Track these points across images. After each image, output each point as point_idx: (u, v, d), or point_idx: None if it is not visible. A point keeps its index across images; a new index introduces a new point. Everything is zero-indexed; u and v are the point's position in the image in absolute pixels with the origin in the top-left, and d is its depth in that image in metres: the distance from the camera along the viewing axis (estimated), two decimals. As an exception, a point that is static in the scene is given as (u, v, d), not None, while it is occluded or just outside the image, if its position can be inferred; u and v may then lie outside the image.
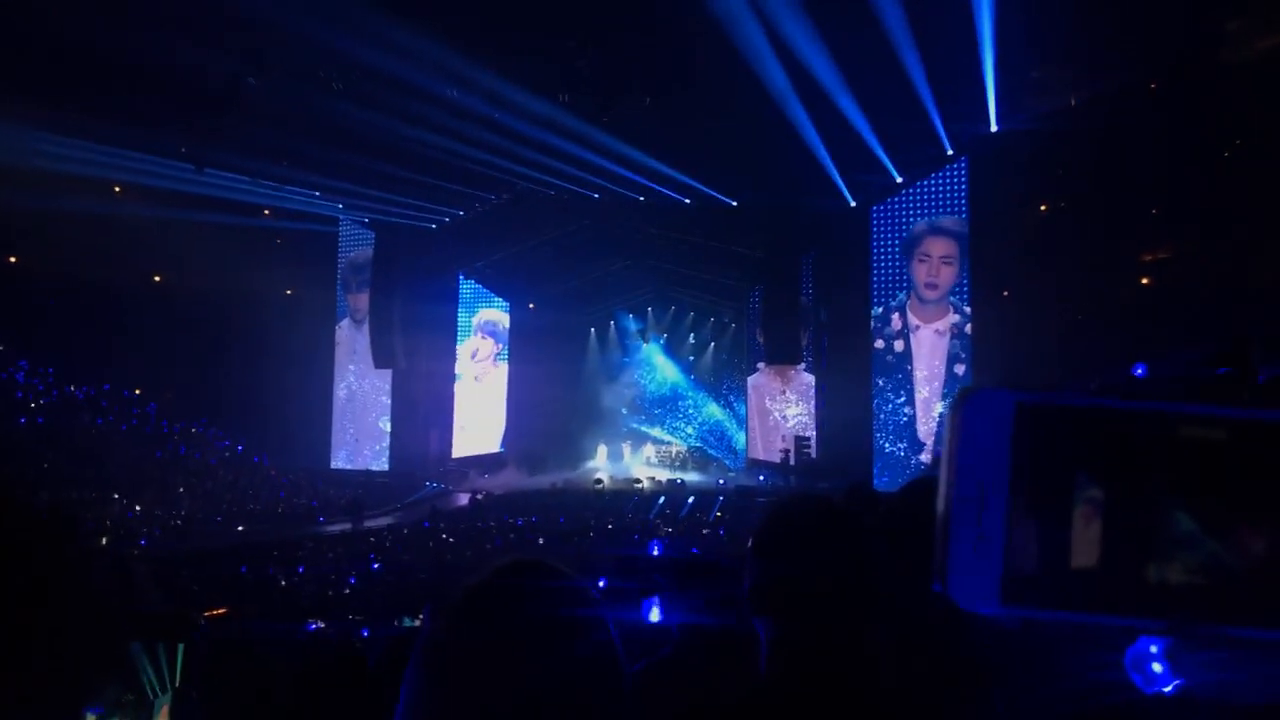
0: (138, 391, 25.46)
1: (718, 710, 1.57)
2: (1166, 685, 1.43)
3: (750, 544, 1.59)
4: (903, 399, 22.09)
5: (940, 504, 0.55)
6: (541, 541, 17.68)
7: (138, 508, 20.16)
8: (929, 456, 21.38)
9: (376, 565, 13.60)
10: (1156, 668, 1.42)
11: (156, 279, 26.22)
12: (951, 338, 21.53)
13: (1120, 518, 0.53)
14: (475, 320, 30.49)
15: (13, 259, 23.91)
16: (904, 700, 1.43)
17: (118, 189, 23.08)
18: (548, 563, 1.21)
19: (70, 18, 14.87)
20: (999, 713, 1.48)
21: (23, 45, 16.25)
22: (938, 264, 21.77)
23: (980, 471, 0.54)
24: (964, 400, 0.57)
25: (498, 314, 31.21)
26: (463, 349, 30.04)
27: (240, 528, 20.33)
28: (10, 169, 18.86)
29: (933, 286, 21.81)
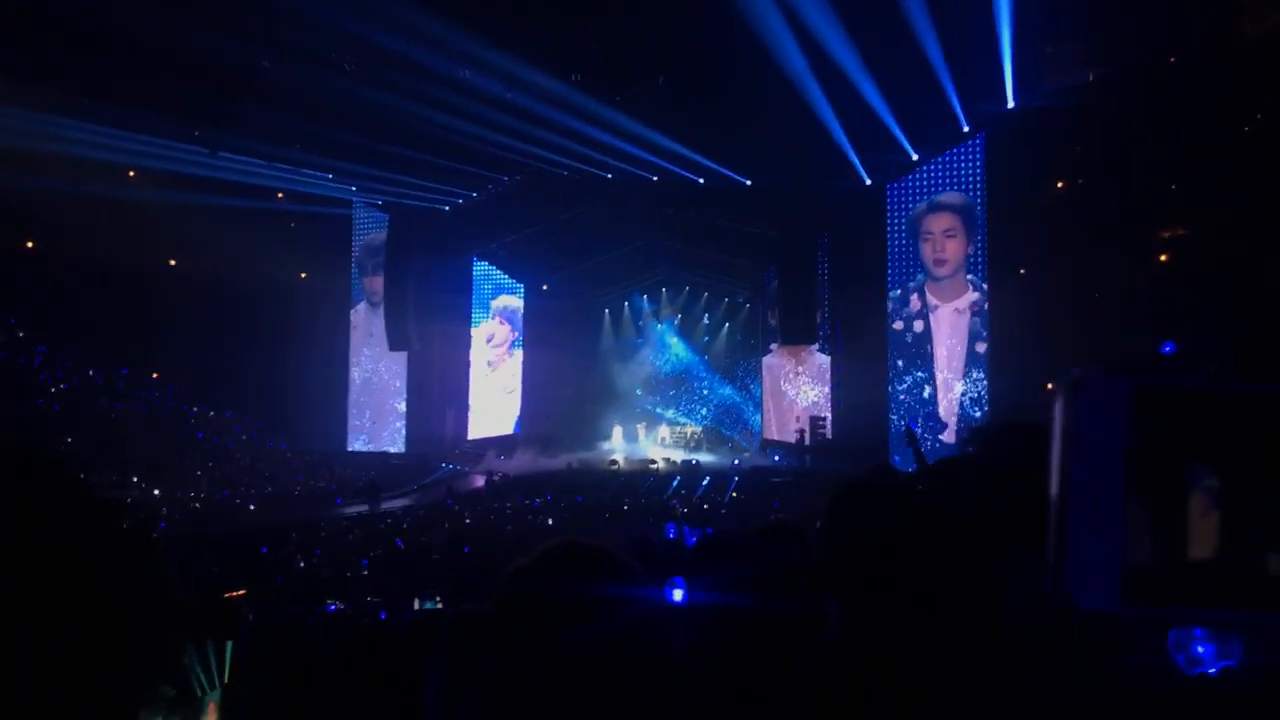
0: (155, 375, 25.62)
1: (790, 680, 1.58)
2: (1210, 667, 1.43)
3: (820, 520, 1.59)
4: (924, 378, 22.02)
5: (1053, 497, 0.53)
6: (550, 522, 17.75)
7: (156, 491, 20.31)
8: (951, 436, 21.32)
9: (395, 546, 13.67)
10: (1200, 649, 1.41)
11: (172, 263, 26.32)
12: (972, 315, 21.42)
13: (1245, 506, 0.51)
14: (494, 305, 30.53)
15: (30, 244, 24.03)
16: (972, 677, 1.43)
17: (132, 173, 23.15)
18: (593, 542, 1.23)
19: (84, 2, 14.88)
20: (1042, 695, 1.47)
21: (37, 31, 16.28)
22: (941, 239, 21.67)
23: (1096, 462, 0.52)
24: (1076, 387, 0.55)
25: (512, 299, 31.24)
26: (478, 333, 30.10)
27: (256, 508, 20.47)
28: (26, 153, 18.94)
29: (941, 262, 21.71)
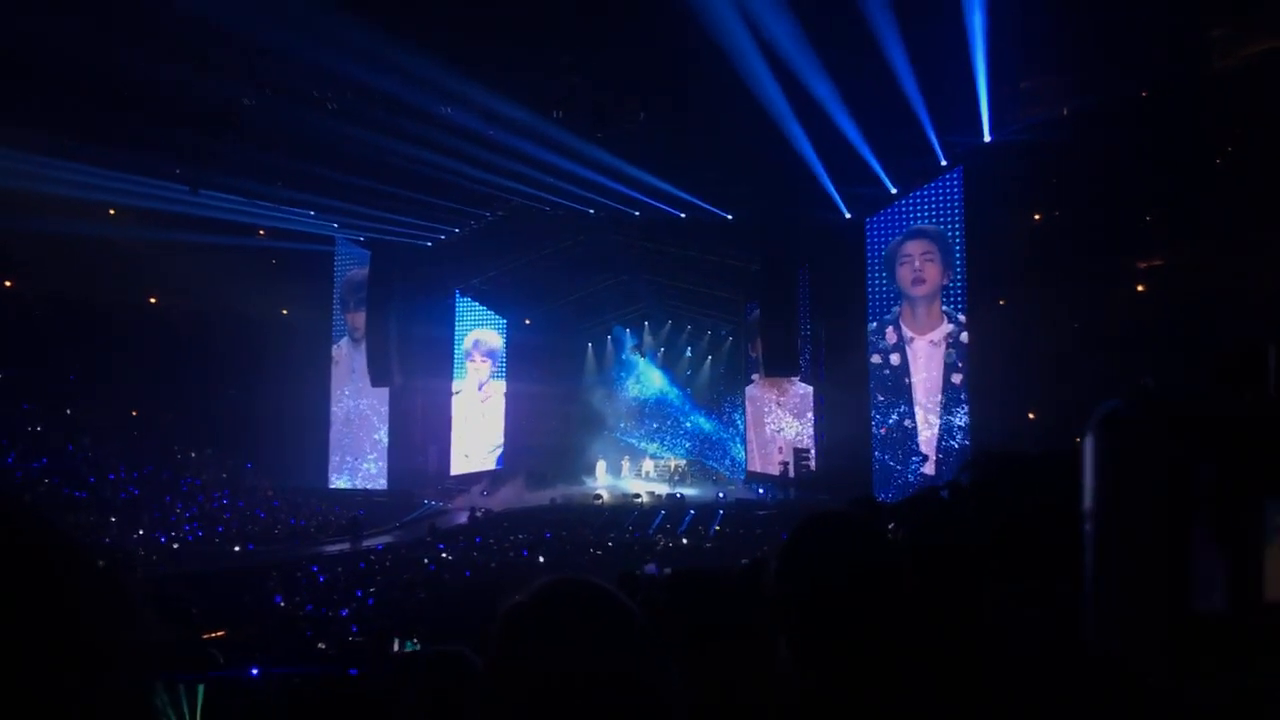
0: (134, 413, 25.41)
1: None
2: None
3: (776, 559, 1.59)
4: (903, 410, 22.11)
5: (1092, 541, 0.47)
6: (542, 560, 17.65)
7: (139, 531, 20.09)
8: (931, 469, 21.37)
9: (374, 588, 13.54)
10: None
11: (152, 300, 26.20)
12: (947, 347, 21.57)
13: None
14: (468, 342, 30.50)
15: (7, 282, 23.89)
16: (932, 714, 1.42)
17: (112, 211, 23.08)
18: (583, 579, 1.22)
19: (64, 40, 14.88)
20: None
21: (16, 68, 16.27)
22: (920, 261, 21.90)
23: (1144, 500, 0.46)
24: (1113, 421, 0.49)
25: (492, 335, 31.23)
26: (467, 379, 30.09)
27: (237, 548, 20.26)
28: (4, 192, 18.87)
29: (920, 282, 21.90)
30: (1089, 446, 0.51)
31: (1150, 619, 0.45)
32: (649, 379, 33.87)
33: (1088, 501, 0.50)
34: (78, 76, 16.14)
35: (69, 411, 23.74)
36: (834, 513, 1.68)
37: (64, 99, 17.20)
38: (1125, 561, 0.47)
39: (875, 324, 22.59)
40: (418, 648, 6.86)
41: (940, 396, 21.58)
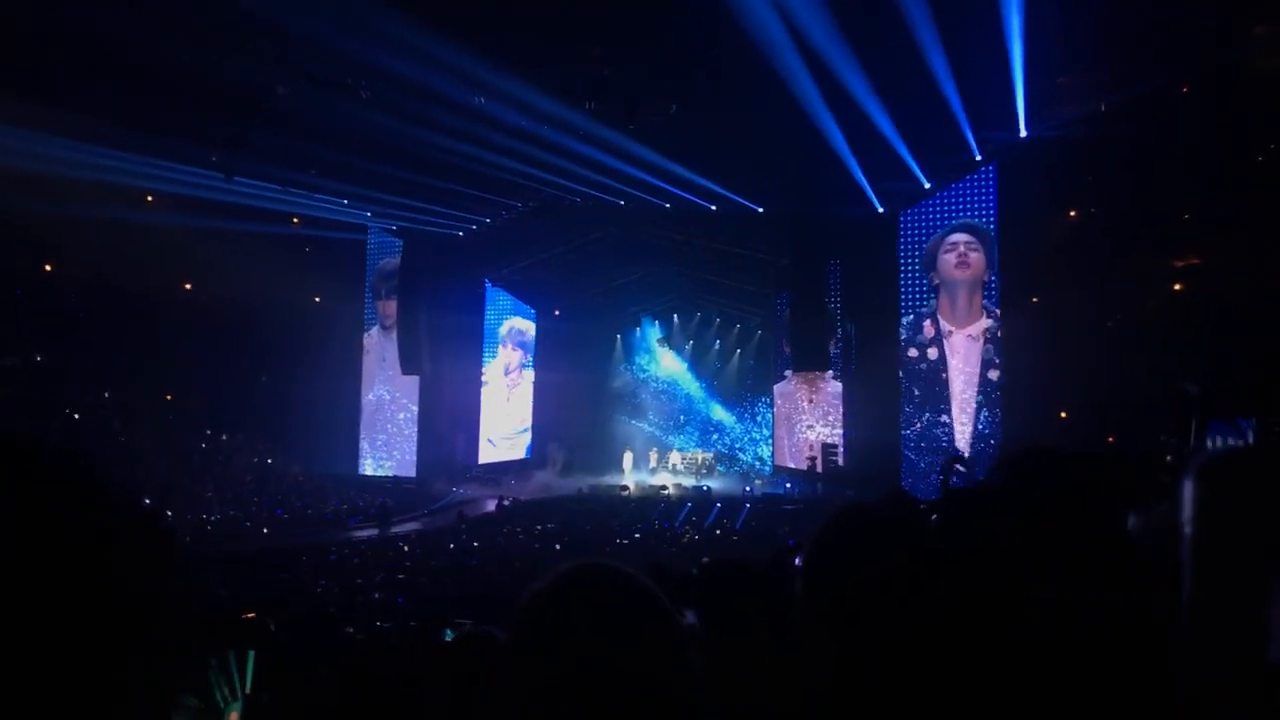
0: (168, 398, 25.72)
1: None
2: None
3: (806, 553, 1.58)
4: (939, 406, 21.95)
5: (1189, 586, 0.44)
6: (559, 547, 17.71)
7: (169, 513, 20.35)
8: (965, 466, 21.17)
9: (402, 575, 13.64)
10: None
11: (187, 286, 26.49)
12: (985, 342, 21.40)
13: None
14: (503, 330, 30.69)
15: (47, 266, 24.24)
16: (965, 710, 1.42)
17: (150, 198, 23.35)
18: (607, 564, 1.22)
19: (103, 27, 15.06)
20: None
21: (57, 56, 16.49)
22: (964, 249, 21.74)
23: (1230, 551, 0.45)
24: (1205, 468, 0.48)
25: (524, 323, 31.38)
26: (495, 363, 30.25)
27: (266, 530, 20.49)
28: (43, 178, 19.15)
29: (964, 266, 21.71)
30: (1187, 492, 0.51)
31: (1226, 665, 0.46)
32: (676, 371, 33.85)
33: (1185, 546, 0.50)
34: (115, 63, 16.32)
35: (105, 394, 24.07)
36: (865, 506, 1.67)
37: (102, 85, 17.41)
38: (1212, 606, 0.48)
39: (912, 317, 22.43)
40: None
41: (977, 393, 21.41)
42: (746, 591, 2.21)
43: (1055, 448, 1.67)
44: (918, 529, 1.56)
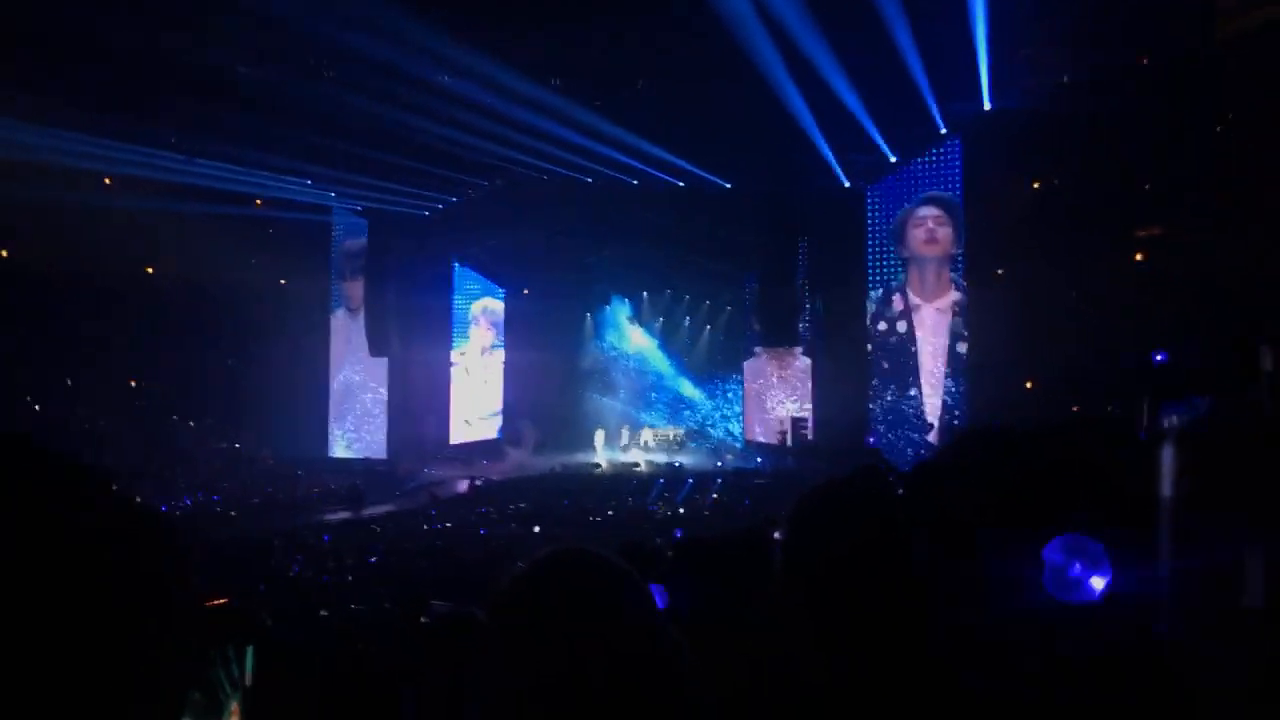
0: (133, 383, 25.42)
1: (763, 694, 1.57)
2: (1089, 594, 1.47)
3: (783, 532, 1.59)
4: (908, 379, 22.12)
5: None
6: (538, 530, 17.73)
7: (136, 499, 20.12)
8: (935, 437, 21.42)
9: (375, 557, 13.61)
10: (1075, 575, 1.46)
11: (149, 270, 26.12)
12: (954, 315, 21.57)
13: None
14: (476, 308, 30.58)
15: (3, 252, 23.81)
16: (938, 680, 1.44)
17: (108, 180, 22.95)
18: (586, 548, 1.23)
19: (60, 7, 14.77)
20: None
21: (10, 35, 16.14)
22: (933, 224, 21.86)
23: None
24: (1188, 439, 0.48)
25: (493, 302, 31.27)
26: (465, 343, 30.15)
27: (234, 513, 20.35)
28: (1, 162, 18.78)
29: (933, 242, 21.85)
30: (1165, 461, 0.52)
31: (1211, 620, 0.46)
32: (648, 349, 33.86)
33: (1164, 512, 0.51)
34: (74, 44, 16.02)
35: (68, 380, 23.74)
36: (838, 483, 1.68)
37: (59, 66, 17.08)
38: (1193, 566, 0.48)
39: (881, 290, 22.55)
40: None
41: (945, 365, 21.59)
42: (720, 570, 2.23)
43: (1006, 426, 1.69)
44: (889, 502, 1.58)
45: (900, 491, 2.20)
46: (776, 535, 1.60)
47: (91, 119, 19.30)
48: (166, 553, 0.78)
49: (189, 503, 20.83)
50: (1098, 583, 1.54)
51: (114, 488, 0.78)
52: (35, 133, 19.02)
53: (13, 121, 18.40)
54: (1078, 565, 1.58)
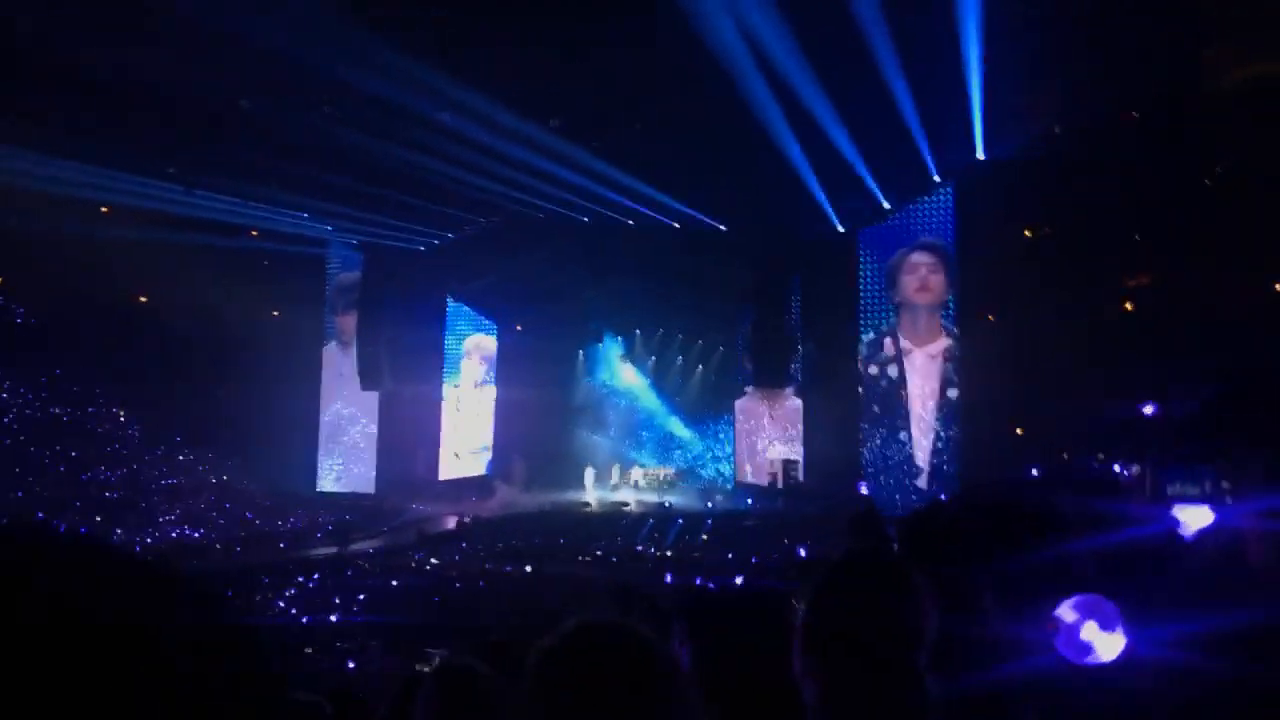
0: (121, 415, 25.27)
1: None
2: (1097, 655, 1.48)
3: (806, 598, 1.57)
4: (897, 424, 22.13)
5: None
6: (529, 569, 17.61)
7: (119, 531, 19.98)
8: (925, 482, 21.41)
9: (363, 594, 13.52)
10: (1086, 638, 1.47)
11: (142, 299, 26.06)
12: (945, 361, 21.62)
13: None
14: (469, 344, 30.52)
15: (-3, 279, 23.76)
16: None
17: (105, 209, 22.95)
18: (617, 623, 1.22)
19: (60, 38, 14.85)
20: None
21: (11, 64, 16.21)
22: (925, 272, 21.95)
23: None
24: None
25: (486, 338, 31.22)
26: (457, 378, 30.08)
27: (221, 547, 20.19)
28: (-2, 190, 18.79)
29: (925, 290, 21.92)
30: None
31: None
32: (639, 388, 33.79)
33: None
34: (74, 75, 16.08)
35: (55, 410, 23.59)
36: (863, 554, 1.69)
37: (60, 97, 17.14)
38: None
39: (872, 334, 22.63)
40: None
41: (936, 410, 21.62)
42: (728, 634, 2.21)
43: (1007, 492, 1.72)
44: (904, 576, 1.58)
45: (895, 546, 2.21)
46: (795, 604, 1.58)
47: (90, 149, 19.34)
48: (264, 672, 0.74)
49: (176, 535, 20.66)
50: (1111, 644, 1.56)
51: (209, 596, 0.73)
52: (32, 160, 19.03)
53: (9, 148, 18.42)
54: (1090, 626, 1.59)
